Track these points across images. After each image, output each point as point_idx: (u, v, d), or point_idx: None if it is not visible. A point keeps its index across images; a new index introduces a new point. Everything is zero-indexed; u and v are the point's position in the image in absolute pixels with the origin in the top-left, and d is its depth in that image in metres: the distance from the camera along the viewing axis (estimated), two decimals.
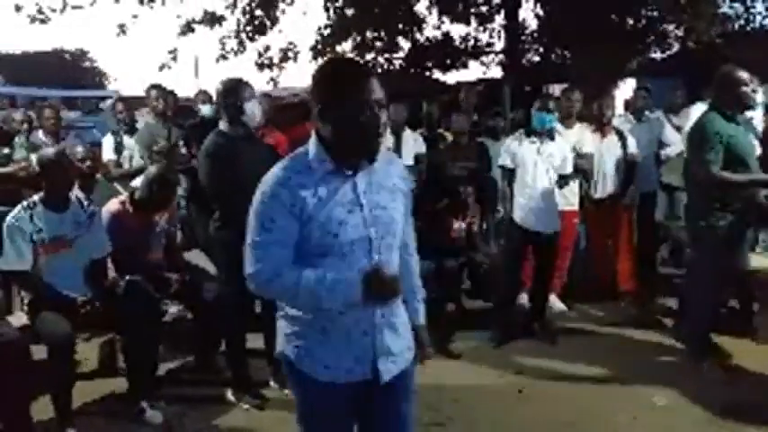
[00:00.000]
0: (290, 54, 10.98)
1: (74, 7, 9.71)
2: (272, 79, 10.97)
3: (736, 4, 11.11)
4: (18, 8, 9.53)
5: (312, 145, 1.81)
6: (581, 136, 5.04)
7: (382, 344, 1.87)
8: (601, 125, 5.14)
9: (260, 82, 11.70)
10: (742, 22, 11.39)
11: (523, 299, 4.92)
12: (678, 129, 5.58)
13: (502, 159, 4.56)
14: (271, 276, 1.76)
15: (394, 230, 1.87)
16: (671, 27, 9.95)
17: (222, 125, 3.48)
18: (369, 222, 1.79)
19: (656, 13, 9.68)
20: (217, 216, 3.50)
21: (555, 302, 5.05)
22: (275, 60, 11.00)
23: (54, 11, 9.73)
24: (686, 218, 4.07)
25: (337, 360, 1.84)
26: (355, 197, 1.79)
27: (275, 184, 1.76)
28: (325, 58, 1.83)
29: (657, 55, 11.22)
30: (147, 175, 3.94)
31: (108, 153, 5.27)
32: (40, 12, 9.68)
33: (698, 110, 4.83)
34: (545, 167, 4.41)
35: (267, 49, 10.93)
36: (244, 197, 3.04)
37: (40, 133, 5.14)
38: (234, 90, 3.41)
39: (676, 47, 10.58)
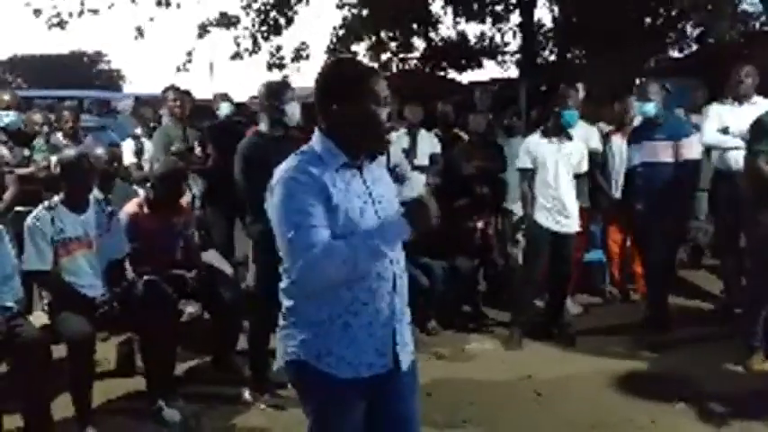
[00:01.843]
0: (303, 54, 11.02)
1: (90, 11, 9.79)
2: (283, 78, 11.01)
3: (756, 2, 10.97)
4: (37, 12, 9.65)
5: (318, 141, 1.86)
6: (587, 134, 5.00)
7: (400, 333, 1.91)
8: (622, 125, 5.10)
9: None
10: (762, 20, 11.23)
11: (539, 301, 4.89)
12: (696, 128, 5.51)
13: (521, 162, 4.50)
14: (326, 254, 1.72)
15: None
16: (689, 26, 9.86)
17: (262, 126, 3.59)
18: (380, 213, 1.86)
19: (674, 12, 9.59)
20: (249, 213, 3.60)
21: (571, 304, 5.01)
22: (287, 60, 11.05)
23: (71, 15, 9.83)
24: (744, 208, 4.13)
25: (360, 355, 1.85)
26: (366, 189, 1.86)
27: (300, 173, 1.78)
28: (331, 58, 1.93)
29: (676, 54, 11.12)
30: (152, 174, 4.00)
31: (129, 157, 5.31)
32: (57, 16, 9.79)
33: (713, 110, 4.78)
34: (565, 167, 4.38)
35: (279, 49, 10.98)
36: None
37: (60, 136, 5.19)
38: (276, 92, 3.52)
39: (695, 46, 10.48)
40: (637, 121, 4.88)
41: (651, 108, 4.40)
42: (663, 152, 4.36)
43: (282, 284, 1.92)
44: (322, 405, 1.91)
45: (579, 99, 5.04)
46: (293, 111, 3.51)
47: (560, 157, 4.37)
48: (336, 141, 1.83)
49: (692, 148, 4.39)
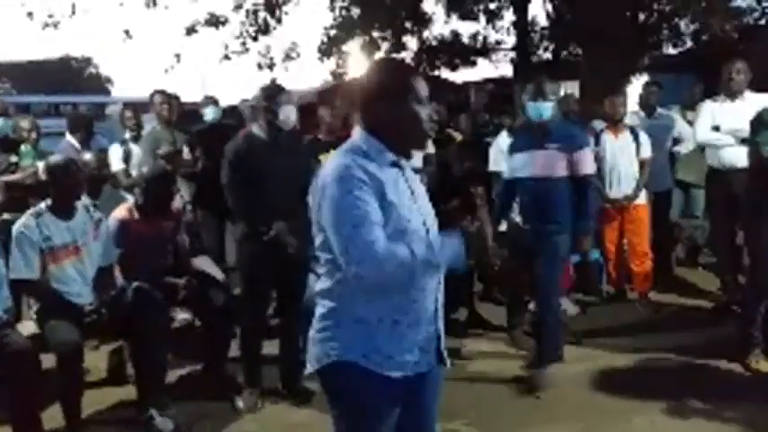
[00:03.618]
0: (293, 54, 10.98)
1: (82, 10, 9.80)
2: (273, 80, 10.95)
3: None
4: (30, 14, 9.67)
5: (362, 139, 1.87)
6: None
7: (440, 329, 1.96)
8: (614, 123, 5.06)
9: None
10: (756, 15, 11.26)
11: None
12: (691, 124, 5.48)
13: (495, 165, 4.47)
14: (388, 253, 1.73)
15: (434, 219, 1.99)
16: (684, 22, 9.84)
17: (254, 128, 3.58)
18: (421, 210, 1.91)
19: (668, 8, 9.57)
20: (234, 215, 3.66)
21: (568, 305, 4.97)
22: (277, 61, 11.02)
23: (63, 16, 9.84)
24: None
25: (406, 353, 1.86)
26: (408, 187, 1.90)
27: (357, 170, 1.77)
28: (376, 60, 2.00)
29: (671, 50, 11.11)
30: (140, 179, 3.96)
31: (116, 163, 5.24)
32: (50, 17, 9.80)
33: (706, 108, 4.75)
34: None
35: (268, 49, 10.94)
36: (258, 196, 3.32)
37: (73, 139, 5.15)
38: (271, 95, 3.53)
39: (689, 42, 10.47)
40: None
41: (548, 109, 3.81)
42: (558, 165, 3.79)
43: (324, 285, 1.89)
44: (367, 405, 1.89)
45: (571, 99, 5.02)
46: (288, 114, 3.51)
47: None
48: (381, 139, 1.86)
49: (587, 163, 3.88)
